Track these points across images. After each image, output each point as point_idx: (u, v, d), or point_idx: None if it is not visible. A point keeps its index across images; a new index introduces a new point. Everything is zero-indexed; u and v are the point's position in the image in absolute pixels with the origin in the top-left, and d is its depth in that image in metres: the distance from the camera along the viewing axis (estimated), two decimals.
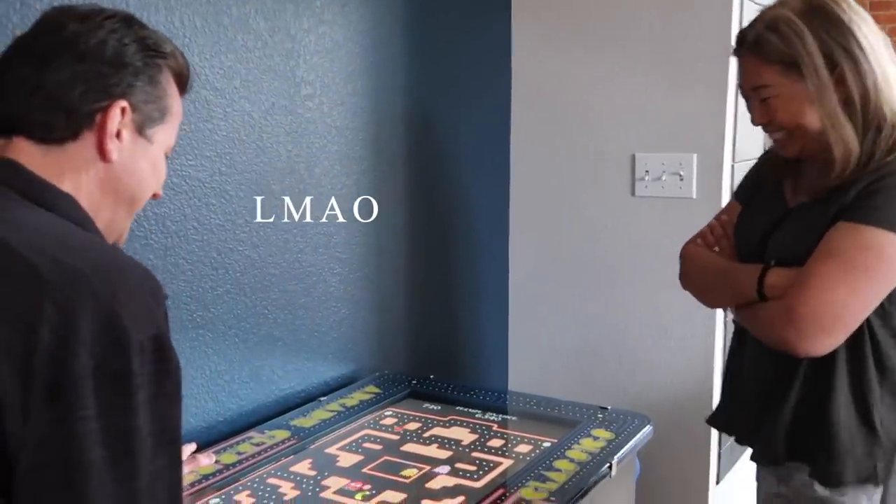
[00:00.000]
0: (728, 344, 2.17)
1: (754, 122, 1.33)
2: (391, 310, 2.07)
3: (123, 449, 0.75)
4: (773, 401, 1.32)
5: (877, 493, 1.27)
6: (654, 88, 2.17)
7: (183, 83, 1.00)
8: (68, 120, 0.88)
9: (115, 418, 0.75)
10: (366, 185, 1.94)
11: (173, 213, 1.49)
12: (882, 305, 1.23)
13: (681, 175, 2.17)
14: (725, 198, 2.13)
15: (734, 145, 2.16)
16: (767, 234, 1.34)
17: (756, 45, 1.26)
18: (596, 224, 2.30)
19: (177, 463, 0.82)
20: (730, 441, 2.28)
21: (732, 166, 2.17)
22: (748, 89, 1.31)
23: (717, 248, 1.45)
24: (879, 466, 1.25)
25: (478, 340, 2.41)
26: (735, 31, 2.04)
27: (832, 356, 1.24)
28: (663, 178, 2.19)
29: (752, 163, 2.29)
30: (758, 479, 1.46)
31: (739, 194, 1.51)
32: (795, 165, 1.37)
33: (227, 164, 1.58)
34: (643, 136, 2.21)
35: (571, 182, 2.33)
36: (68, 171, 0.88)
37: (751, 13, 2.11)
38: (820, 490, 1.27)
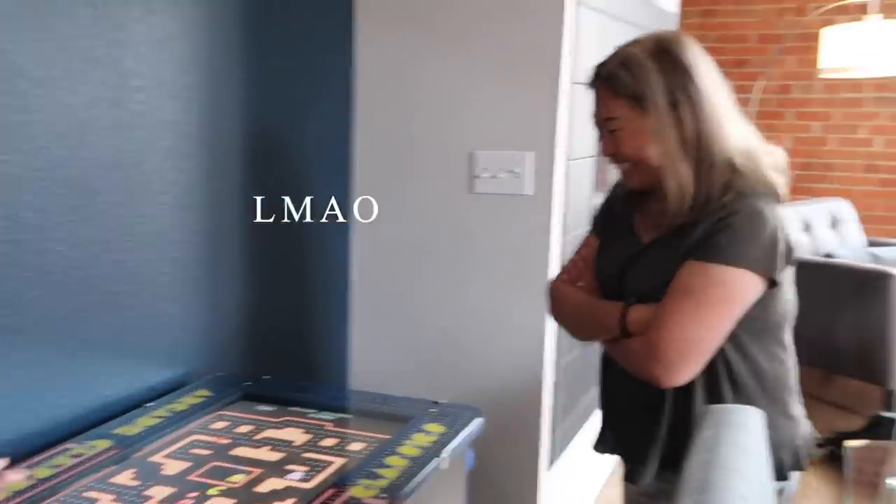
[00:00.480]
0: (558, 336, 2.28)
1: (603, 152, 1.42)
2: (225, 309, 2.03)
3: None
4: (644, 427, 1.42)
5: None
6: (492, 89, 2.22)
7: None
8: None
9: None
10: (199, 182, 1.89)
11: None
12: (733, 331, 1.33)
13: (516, 172, 2.23)
14: (559, 195, 2.22)
15: (568, 144, 2.24)
16: (624, 270, 1.43)
17: (609, 79, 1.35)
18: (436, 220, 2.33)
19: None
20: (562, 428, 2.39)
21: (566, 164, 2.26)
22: (600, 120, 1.40)
23: (581, 284, 1.53)
24: None
25: (318, 338, 2.40)
26: (567, 35, 2.12)
27: (691, 383, 1.34)
28: (500, 175, 2.25)
29: (586, 161, 2.42)
30: (626, 498, 1.58)
31: (595, 228, 1.59)
32: (643, 200, 1.45)
33: (44, 158, 1.50)
34: (481, 134, 2.26)
35: (412, 178, 2.35)
36: None
37: (585, 18, 2.20)
38: None
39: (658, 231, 1.41)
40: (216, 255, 1.97)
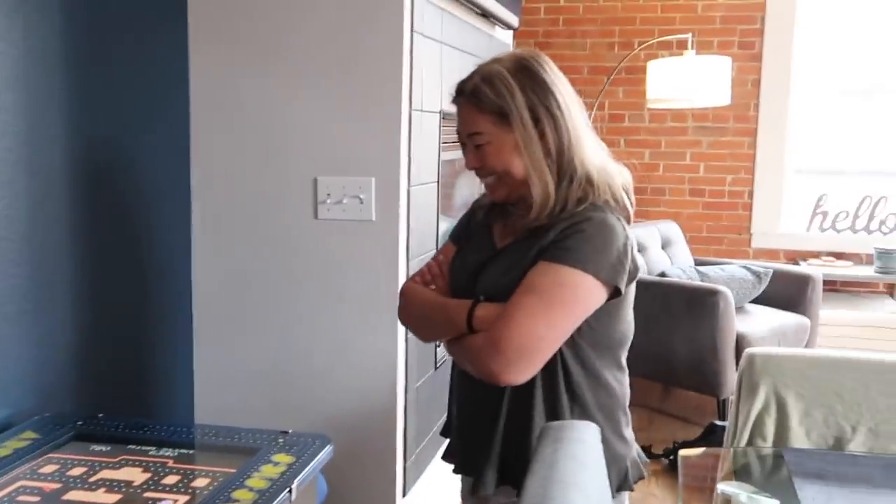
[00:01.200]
0: (408, 360, 2.29)
1: (468, 166, 1.45)
2: (54, 344, 1.92)
3: None
4: (482, 432, 1.43)
5: None
6: (334, 115, 2.22)
7: None
8: None
9: None
10: (20, 209, 1.79)
11: None
12: (572, 337, 1.36)
13: (361, 198, 2.24)
14: (403, 220, 2.24)
15: (409, 170, 2.27)
16: (478, 272, 1.45)
17: (473, 94, 1.39)
18: (281, 246, 2.30)
19: None
20: (415, 453, 2.40)
21: (408, 190, 2.29)
22: (464, 135, 1.43)
23: (433, 287, 1.54)
24: None
25: (159, 371, 2.31)
26: (405, 62, 2.16)
27: (530, 388, 1.37)
28: (344, 200, 2.25)
29: (428, 186, 2.46)
30: (462, 497, 1.59)
31: (453, 236, 1.62)
32: (503, 211, 1.50)
33: None
34: (324, 160, 2.26)
35: (256, 205, 2.31)
36: None
37: (421, 47, 2.26)
38: None
39: (514, 237, 1.45)
40: (43, 288, 1.87)
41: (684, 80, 3.93)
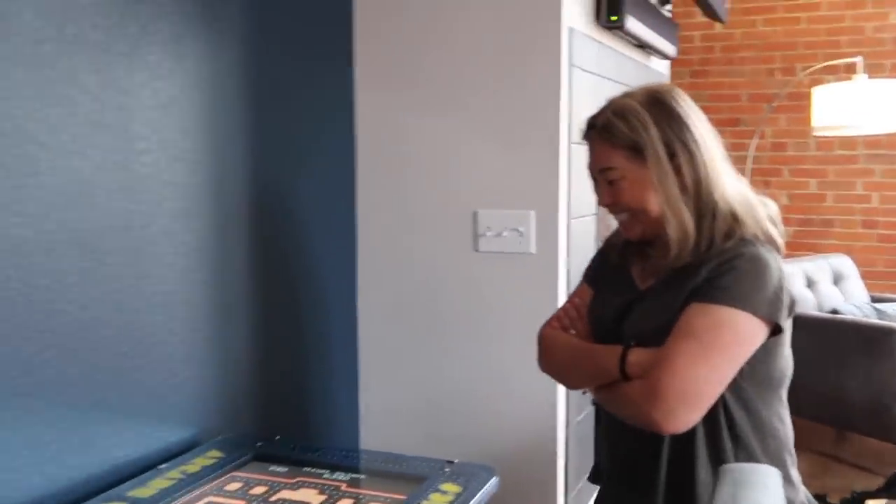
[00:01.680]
0: (568, 394, 2.29)
1: (601, 202, 1.42)
2: (236, 370, 2.03)
3: None
4: (641, 481, 1.39)
5: None
6: (494, 149, 2.28)
7: None
8: None
9: None
10: (206, 242, 1.92)
11: None
12: (734, 379, 1.30)
13: (520, 231, 2.27)
14: (563, 252, 2.26)
15: (569, 202, 2.29)
16: (622, 315, 1.40)
17: (605, 129, 1.36)
18: (441, 279, 2.37)
19: None
20: (577, 488, 2.38)
21: (568, 222, 2.31)
22: (595, 171, 1.40)
23: (573, 332, 1.50)
24: None
25: (327, 398, 2.40)
26: (563, 95, 2.19)
27: (691, 435, 1.32)
28: (504, 233, 2.29)
29: (587, 219, 2.47)
30: None
31: (588, 278, 1.58)
32: (640, 249, 1.46)
33: (54, 221, 1.53)
34: (484, 193, 2.31)
35: (417, 239, 2.40)
36: None
37: (578, 79, 2.29)
38: None
39: (656, 277, 1.41)
40: (225, 316, 1.99)
41: (854, 106, 3.75)
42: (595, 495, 1.59)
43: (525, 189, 2.26)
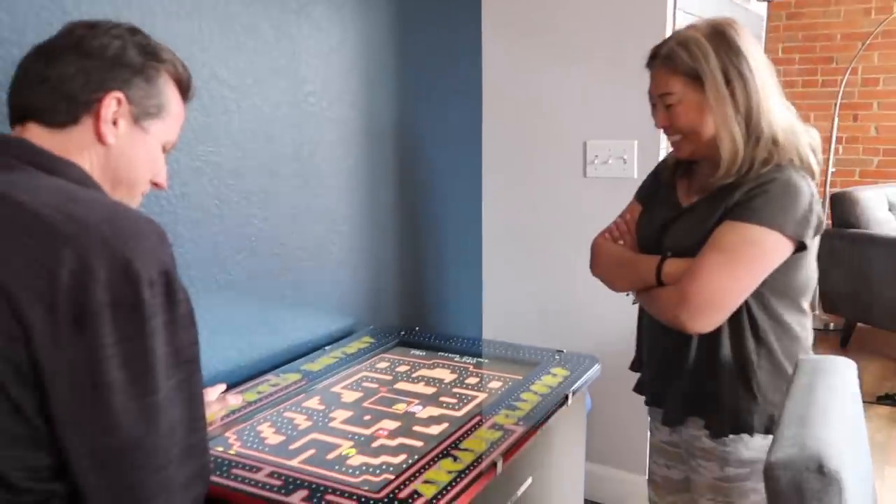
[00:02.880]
0: None
1: (658, 124, 1.36)
2: (383, 272, 2.11)
3: (142, 369, 0.77)
4: (671, 370, 1.38)
5: (755, 440, 1.32)
6: (603, 87, 2.23)
7: (184, 89, 1.01)
8: (68, 106, 0.90)
9: (132, 343, 0.76)
10: (361, 169, 1.98)
11: (197, 192, 1.52)
12: (759, 289, 1.27)
13: (624, 159, 2.23)
14: None
15: None
16: (664, 229, 1.37)
17: (667, 58, 1.30)
18: (554, 200, 2.36)
19: (194, 379, 0.84)
20: None
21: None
22: (656, 96, 1.34)
23: (621, 242, 1.48)
24: (755, 420, 1.30)
25: (457, 298, 2.46)
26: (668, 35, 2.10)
27: (717, 332, 1.29)
28: (609, 161, 2.26)
29: None
30: (651, 427, 1.54)
31: (640, 195, 1.54)
32: (688, 171, 1.41)
33: (241, 150, 1.61)
34: (593, 126, 2.27)
35: (534, 167, 2.39)
36: (73, 150, 0.90)
37: (681, 20, 2.18)
38: (706, 441, 1.35)
39: (699, 195, 1.36)
40: (376, 229, 2.06)
41: None
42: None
43: (629, 122, 2.20)
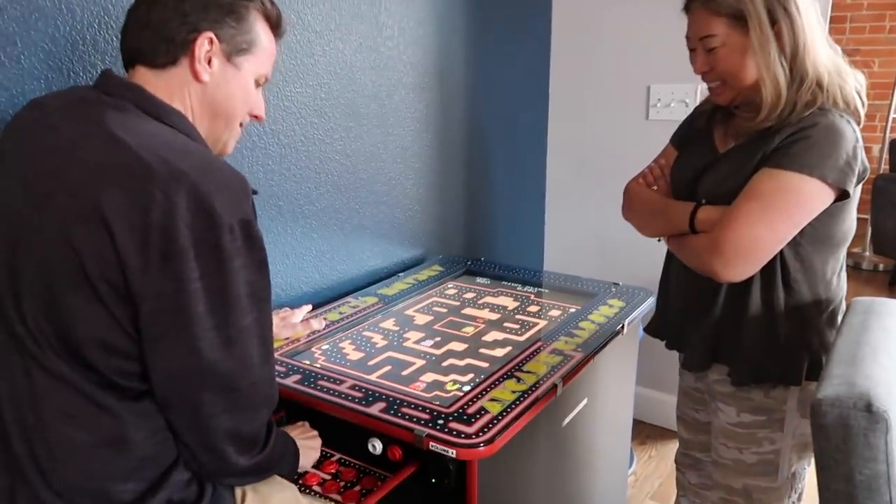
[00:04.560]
0: None
1: (696, 70, 1.23)
2: (452, 206, 2.10)
3: (220, 303, 0.80)
4: (697, 316, 1.28)
5: (776, 390, 1.23)
6: (665, 32, 2.10)
7: (274, 25, 1.00)
8: (168, 47, 0.90)
9: (213, 279, 0.79)
10: (434, 109, 1.95)
11: (285, 130, 1.53)
12: (795, 238, 1.16)
13: (686, 102, 2.13)
14: None
15: None
16: (698, 175, 1.25)
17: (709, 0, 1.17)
18: (617, 141, 2.29)
19: (266, 317, 0.86)
20: None
21: None
22: (695, 39, 1.20)
23: (655, 187, 1.38)
24: (777, 370, 1.21)
25: (521, 231, 2.44)
26: None
27: (748, 281, 1.19)
28: (671, 105, 2.16)
29: None
30: (680, 373, 1.46)
31: (675, 140, 1.42)
32: (725, 116, 1.29)
33: (325, 91, 1.61)
34: (656, 69, 2.17)
35: (599, 108, 2.31)
36: (175, 90, 0.91)
37: None
38: (728, 387, 1.27)
39: (736, 141, 1.23)
40: (446, 165, 2.04)
41: None
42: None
43: (689, 67, 2.07)
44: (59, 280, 0.79)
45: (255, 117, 1.02)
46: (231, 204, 0.80)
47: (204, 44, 0.91)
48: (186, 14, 0.90)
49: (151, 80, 0.91)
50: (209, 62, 0.92)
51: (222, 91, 0.94)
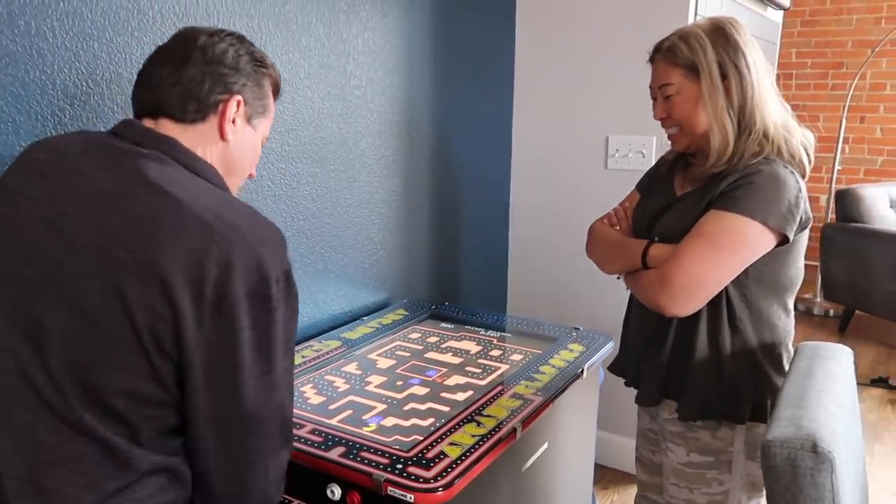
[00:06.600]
0: None
1: (656, 116, 1.30)
2: (417, 252, 2.11)
3: (266, 352, 0.83)
4: (651, 352, 1.32)
5: (722, 430, 1.26)
6: (624, 86, 2.19)
7: (277, 90, 1.06)
8: (198, 106, 0.94)
9: (262, 329, 0.82)
10: (400, 156, 1.97)
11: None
12: (739, 278, 1.21)
13: (643, 153, 2.19)
14: None
15: None
16: (657, 216, 1.31)
17: (668, 50, 1.25)
18: (577, 190, 2.33)
19: (292, 363, 0.90)
20: None
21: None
22: (656, 88, 1.28)
23: (617, 227, 1.44)
24: (723, 408, 1.24)
25: (484, 276, 2.46)
26: None
27: (696, 317, 1.23)
28: (629, 155, 2.22)
29: None
30: (638, 415, 1.48)
31: (640, 186, 1.48)
32: (685, 164, 1.35)
33: (293, 137, 1.62)
34: (614, 122, 2.23)
35: (559, 157, 2.36)
36: (200, 145, 0.95)
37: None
38: (677, 425, 1.30)
39: (692, 186, 1.29)
40: (411, 211, 2.05)
41: None
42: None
43: (648, 119, 2.13)
44: (99, 329, 0.79)
45: (250, 175, 1.06)
46: (276, 256, 0.84)
47: (234, 105, 0.95)
48: (216, 77, 0.94)
49: (177, 133, 0.94)
50: (233, 122, 0.96)
51: (239, 150, 0.99)
